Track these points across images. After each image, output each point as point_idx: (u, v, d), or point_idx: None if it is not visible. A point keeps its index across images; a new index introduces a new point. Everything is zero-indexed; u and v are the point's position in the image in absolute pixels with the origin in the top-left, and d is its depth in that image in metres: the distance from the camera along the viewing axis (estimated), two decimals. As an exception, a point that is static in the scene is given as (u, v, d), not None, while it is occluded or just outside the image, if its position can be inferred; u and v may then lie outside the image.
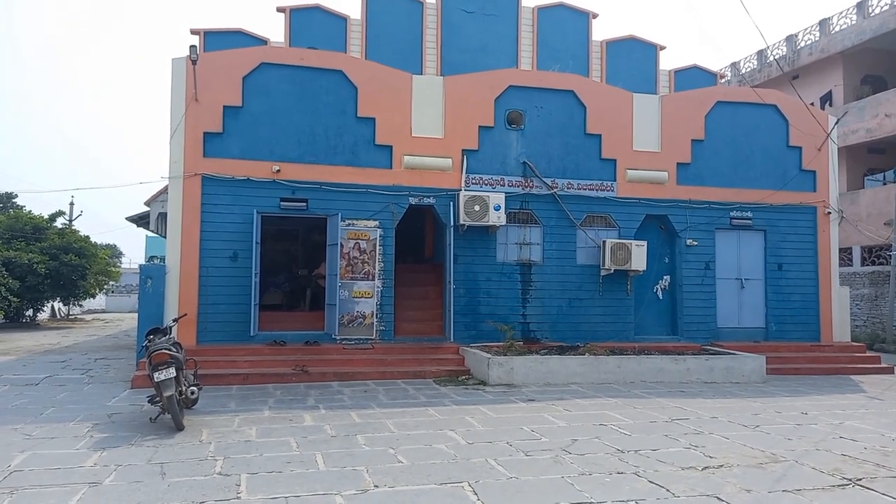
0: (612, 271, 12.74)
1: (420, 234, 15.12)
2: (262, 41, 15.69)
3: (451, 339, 11.98)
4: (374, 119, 12.18)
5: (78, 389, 9.63)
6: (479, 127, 12.65)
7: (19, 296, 21.08)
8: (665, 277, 13.60)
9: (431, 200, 12.37)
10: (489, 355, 10.58)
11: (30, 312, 23.78)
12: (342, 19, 15.99)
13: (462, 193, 12.12)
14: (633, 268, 12.64)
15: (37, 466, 5.70)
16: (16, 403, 8.52)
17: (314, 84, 12.03)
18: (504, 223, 12.28)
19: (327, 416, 7.94)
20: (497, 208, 12.07)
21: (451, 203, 12.24)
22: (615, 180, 13.20)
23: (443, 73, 15.57)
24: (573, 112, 13.17)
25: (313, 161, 11.91)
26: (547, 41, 17.01)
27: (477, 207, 12.02)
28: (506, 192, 12.47)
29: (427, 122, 12.48)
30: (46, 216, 25.27)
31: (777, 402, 9.48)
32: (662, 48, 18.01)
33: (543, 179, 12.82)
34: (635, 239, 12.93)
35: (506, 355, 10.70)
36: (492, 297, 12.47)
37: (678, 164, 13.51)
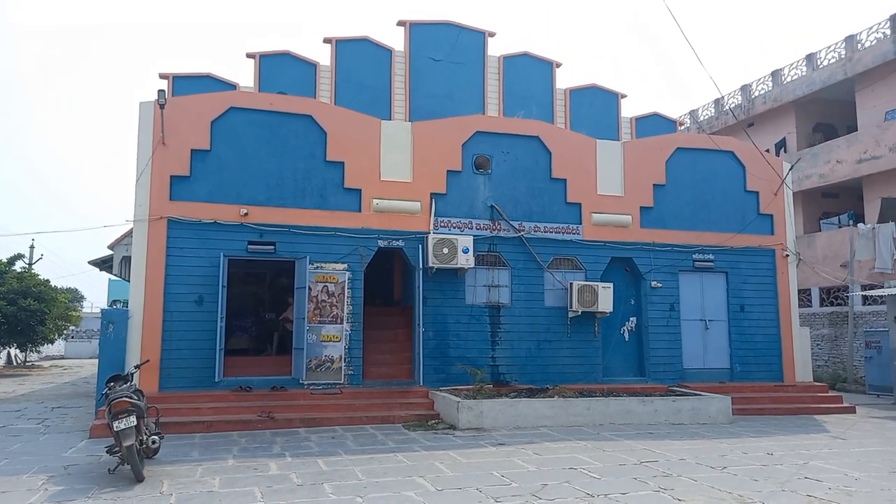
0: (579, 313, 12.87)
1: (389, 276, 15.10)
2: (231, 86, 15.80)
3: (421, 383, 11.89)
4: (342, 163, 12.28)
5: (33, 440, 9.26)
6: (447, 171, 12.84)
7: (-28, 342, 20.34)
8: (631, 319, 13.78)
9: (400, 243, 12.43)
10: (458, 399, 10.52)
11: (-17, 360, 22.91)
12: (312, 65, 16.23)
13: (430, 236, 12.21)
14: (599, 309, 12.79)
15: (-14, 523, 5.46)
16: (-35, 456, 8.15)
17: (283, 128, 12.12)
18: (472, 266, 12.38)
19: (293, 463, 7.77)
20: (465, 251, 12.17)
21: (420, 246, 12.31)
22: (581, 223, 13.46)
23: (411, 118, 15.84)
24: (539, 157, 13.47)
25: (281, 204, 11.91)
26: (512, 88, 17.47)
27: (445, 250, 12.10)
28: (474, 235, 12.61)
29: (396, 166, 12.63)
30: (5, 260, 24.59)
31: (743, 442, 9.58)
32: (624, 96, 18.63)
33: (511, 222, 13.01)
34: (601, 281, 13.13)
35: (475, 399, 10.65)
36: (461, 340, 12.46)
37: (641, 207, 13.86)
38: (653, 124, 18.48)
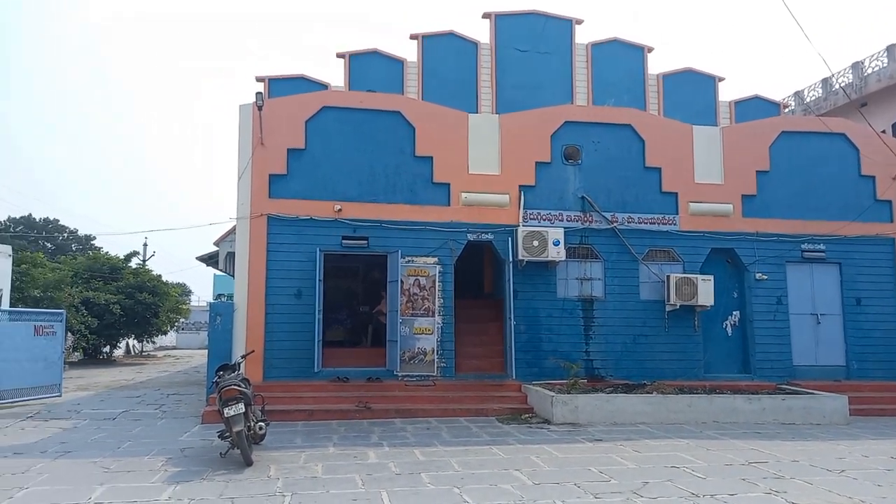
0: (677, 307, 12.40)
1: (479, 270, 15.12)
2: (323, 86, 16.27)
3: (514, 377, 11.83)
4: (431, 158, 12.39)
5: (152, 424, 9.96)
6: (536, 163, 12.70)
7: (96, 333, 22.09)
8: (734, 313, 13.13)
9: (490, 236, 12.41)
10: (553, 393, 10.39)
11: (106, 349, 24.84)
12: (399, 62, 16.45)
13: (520, 229, 12.12)
14: (699, 303, 12.27)
15: (115, 499, 5.89)
16: (95, 437, 8.86)
17: (373, 125, 12.37)
18: (564, 258, 12.19)
19: (391, 453, 7.93)
20: (556, 243, 12.00)
21: (510, 239, 12.24)
22: (677, 213, 12.95)
23: (498, 111, 15.75)
24: (631, 146, 13.07)
25: (373, 200, 12.17)
26: (602, 76, 17.02)
27: (535, 243, 11.97)
28: (564, 227, 12.40)
29: (484, 159, 12.61)
30: (122, 257, 26.53)
31: (863, 444, 8.91)
32: (721, 79, 17.75)
33: (603, 214, 12.70)
34: (701, 273, 12.58)
35: (570, 393, 10.49)
36: (553, 334, 12.31)
37: (743, 195, 13.16)
38: (754, 108, 17.50)
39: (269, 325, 11.51)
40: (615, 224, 12.71)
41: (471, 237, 12.34)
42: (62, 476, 6.74)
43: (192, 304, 41.39)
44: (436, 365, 11.79)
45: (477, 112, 15.76)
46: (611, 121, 13.13)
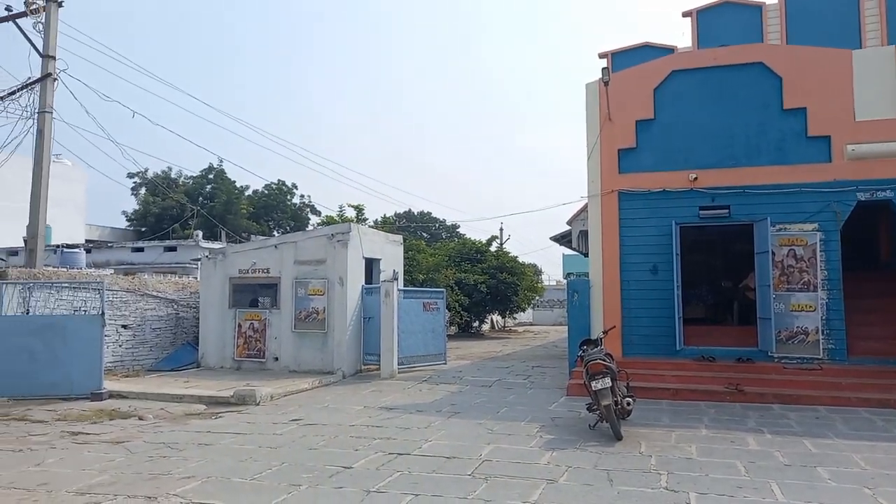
0: None
1: (871, 235, 12.68)
2: (669, 50, 15.39)
3: (931, 364, 9.60)
4: (804, 109, 10.79)
5: (522, 393, 10.77)
6: (956, 95, 10.03)
7: (467, 310, 24.93)
8: None
9: (888, 194, 10.30)
10: None
11: (475, 324, 27.91)
12: (756, 8, 14.65)
13: (936, 182, 9.73)
14: None
15: (501, 459, 6.47)
16: (476, 401, 9.96)
17: (729, 83, 11.29)
18: None
19: (774, 441, 7.11)
20: None
21: (920, 195, 9.93)
22: None
23: (890, 42, 12.89)
24: None
25: (733, 164, 11.12)
26: None
27: (960, 197, 9.48)
28: None
29: (876, 102, 10.50)
30: (484, 241, 29.40)
31: None
32: None
33: None
34: None
35: None
36: None
37: None
38: None
39: (626, 302, 11.41)
40: None
41: (861, 197, 10.38)
42: (455, 433, 7.69)
43: (544, 283, 43.88)
44: (821, 346, 10.23)
45: (861, 48, 13.15)
46: None
